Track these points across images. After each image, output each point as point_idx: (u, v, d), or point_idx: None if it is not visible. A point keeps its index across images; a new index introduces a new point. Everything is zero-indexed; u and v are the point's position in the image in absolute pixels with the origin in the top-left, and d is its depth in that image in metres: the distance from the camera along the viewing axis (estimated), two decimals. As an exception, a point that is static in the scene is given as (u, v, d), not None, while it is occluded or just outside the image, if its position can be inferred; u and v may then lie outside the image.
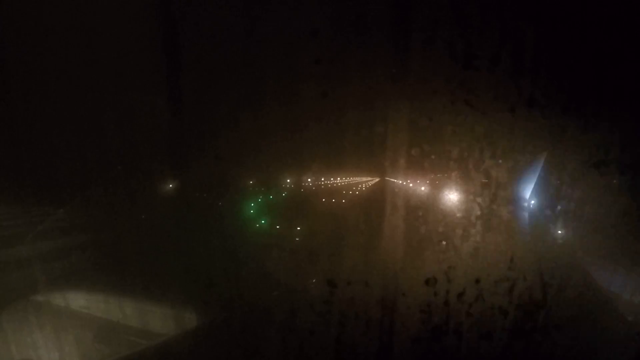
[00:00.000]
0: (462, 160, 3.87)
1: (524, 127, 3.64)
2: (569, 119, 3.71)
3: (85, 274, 6.45)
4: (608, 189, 4.74)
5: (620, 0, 3.62)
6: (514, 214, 3.89)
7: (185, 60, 5.81)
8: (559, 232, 4.35)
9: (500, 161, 3.82)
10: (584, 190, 4.20)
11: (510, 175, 3.87)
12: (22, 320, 5.12)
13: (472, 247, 4.01)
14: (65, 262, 6.74)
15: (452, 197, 4.35)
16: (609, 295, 4.31)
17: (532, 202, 4.00)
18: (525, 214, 3.95)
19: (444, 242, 4.12)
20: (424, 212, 4.46)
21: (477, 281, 3.83)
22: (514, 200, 3.90)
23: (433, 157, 4.15)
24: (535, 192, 3.92)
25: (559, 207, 3.84)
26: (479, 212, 3.95)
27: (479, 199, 3.95)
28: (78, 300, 5.80)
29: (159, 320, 5.36)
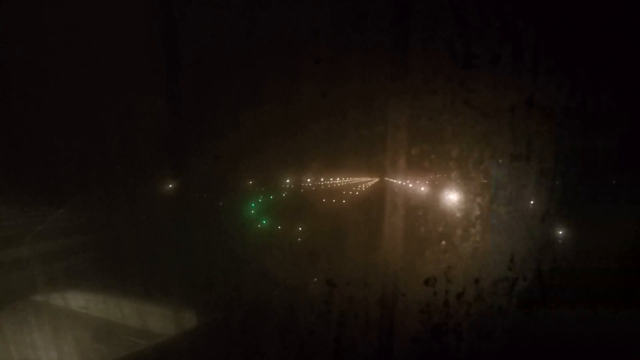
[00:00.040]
0: (462, 160, 3.87)
1: (524, 127, 3.64)
2: (568, 119, 3.71)
3: (85, 274, 6.44)
4: (607, 188, 4.74)
5: (619, 0, 3.63)
6: (513, 214, 3.88)
7: (185, 61, 5.81)
8: (559, 232, 4.35)
9: (499, 161, 3.82)
10: (583, 190, 4.20)
11: (510, 175, 3.87)
12: (22, 321, 5.12)
13: (472, 247, 4.01)
14: (65, 262, 6.74)
15: (451, 197, 4.35)
16: (605, 295, 4.31)
17: (532, 202, 3.99)
18: (525, 214, 3.94)
19: (443, 242, 4.12)
20: (423, 212, 4.46)
21: (477, 281, 3.83)
22: (513, 200, 3.89)
23: (433, 156, 4.15)
24: (534, 192, 3.91)
25: (558, 207, 3.83)
26: (478, 212, 3.95)
27: (478, 199, 3.95)
28: (77, 301, 5.79)
29: (158, 320, 5.35)
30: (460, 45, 3.54)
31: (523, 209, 3.94)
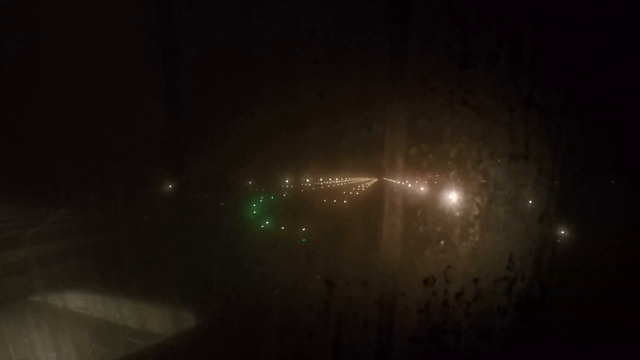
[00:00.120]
0: (460, 160, 3.86)
1: (522, 127, 3.64)
2: (567, 119, 3.71)
3: (83, 274, 6.43)
4: (606, 188, 4.75)
5: (618, 0, 3.63)
6: (512, 214, 3.88)
7: (184, 61, 5.81)
8: (557, 231, 4.35)
9: (498, 161, 3.82)
10: (582, 189, 4.20)
11: (508, 174, 3.87)
12: (20, 321, 5.11)
13: (471, 247, 4.01)
14: (64, 262, 6.73)
15: (450, 197, 4.35)
16: (604, 294, 4.32)
17: (530, 201, 3.99)
18: (523, 214, 3.94)
19: (442, 242, 4.12)
20: (422, 212, 4.46)
21: (476, 281, 3.83)
22: (512, 200, 3.89)
23: (431, 156, 4.15)
24: (533, 191, 3.91)
25: (557, 207, 3.83)
26: (477, 212, 3.95)
27: (477, 199, 3.94)
28: (76, 301, 5.78)
29: (157, 320, 5.35)
30: (459, 45, 3.54)
31: (522, 208, 3.94)
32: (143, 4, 5.72)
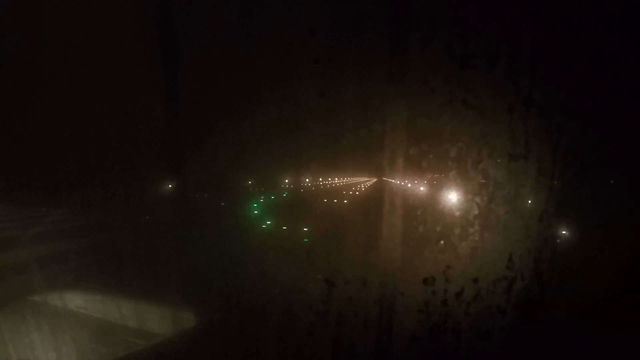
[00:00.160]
0: (460, 159, 3.87)
1: (522, 126, 3.64)
2: (566, 118, 3.71)
3: (83, 274, 6.43)
4: (606, 188, 4.75)
5: (618, 0, 3.63)
6: (511, 214, 3.89)
7: (184, 61, 5.81)
8: (557, 231, 4.35)
9: (498, 160, 3.82)
10: (582, 189, 4.21)
11: (508, 174, 3.87)
12: (20, 321, 5.11)
13: (470, 247, 4.01)
14: (63, 263, 6.73)
15: (450, 196, 4.35)
16: (604, 293, 4.33)
17: (530, 201, 4.00)
18: (523, 214, 3.94)
19: (442, 242, 4.12)
20: (422, 211, 4.46)
21: (475, 280, 3.83)
22: (512, 200, 3.89)
23: (431, 156, 4.15)
24: (532, 191, 3.92)
25: (556, 207, 3.84)
26: (477, 212, 3.95)
27: (476, 199, 3.95)
28: (76, 301, 5.79)
29: (157, 320, 5.35)
30: (459, 45, 3.54)
31: (521, 208, 3.94)
32: (143, 4, 5.72)
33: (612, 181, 4.88)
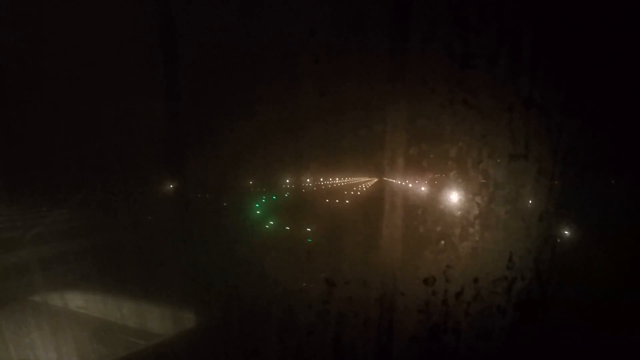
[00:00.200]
0: (461, 159, 3.87)
1: (522, 126, 3.64)
2: (567, 118, 3.72)
3: (84, 275, 6.44)
4: (606, 188, 4.75)
5: (618, 0, 3.63)
6: (511, 214, 3.89)
7: (184, 60, 5.81)
8: (557, 231, 4.35)
9: (498, 160, 3.83)
10: (582, 189, 4.21)
11: (509, 174, 3.87)
12: (21, 321, 5.12)
13: (471, 247, 4.02)
14: (64, 263, 6.73)
15: (450, 196, 4.35)
16: (604, 294, 4.32)
17: (530, 201, 4.00)
18: (523, 214, 3.95)
19: (442, 242, 4.13)
20: (422, 211, 4.46)
21: (476, 280, 3.83)
22: (512, 200, 3.90)
23: (431, 156, 4.15)
24: (533, 191, 3.92)
25: (557, 207, 3.84)
26: (477, 212, 3.96)
27: (477, 199, 3.95)
28: (76, 301, 5.80)
29: (157, 320, 5.36)
30: (459, 45, 3.54)
31: (521, 208, 3.94)
32: (143, 4, 5.73)
33: (612, 181, 4.87)
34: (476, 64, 3.55)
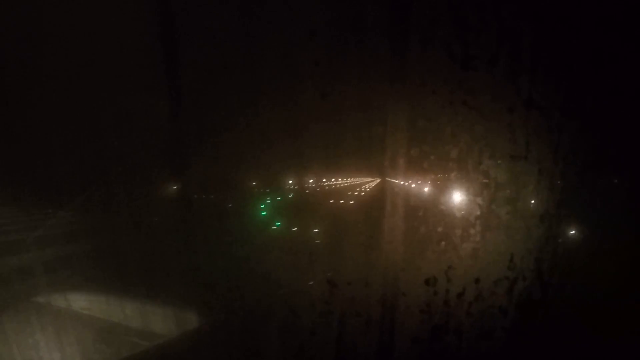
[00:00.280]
0: (461, 160, 3.88)
1: (523, 127, 3.65)
2: (567, 119, 3.72)
3: (87, 275, 6.46)
4: (608, 188, 4.75)
5: (618, 0, 3.64)
6: (513, 214, 3.89)
7: (184, 61, 5.83)
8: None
9: (499, 161, 3.83)
10: (583, 189, 4.21)
11: (509, 175, 3.88)
12: (25, 322, 5.14)
13: (472, 247, 4.02)
14: (67, 264, 6.76)
15: (451, 197, 4.36)
16: (605, 294, 4.32)
17: (531, 201, 4.01)
18: (524, 214, 3.95)
19: (443, 242, 4.13)
20: (423, 212, 4.47)
21: (477, 281, 3.84)
22: (513, 200, 3.90)
23: (432, 157, 4.16)
24: (534, 191, 3.92)
25: (558, 207, 3.85)
26: (478, 212, 3.96)
27: (478, 199, 3.96)
28: (80, 302, 5.82)
29: (160, 321, 5.38)
30: (459, 46, 3.55)
31: (522, 208, 3.95)
32: (144, 4, 5.75)
33: (614, 181, 4.87)
34: (476, 65, 3.56)
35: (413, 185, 5.50)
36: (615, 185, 4.77)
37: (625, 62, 3.69)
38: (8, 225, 8.06)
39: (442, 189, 4.48)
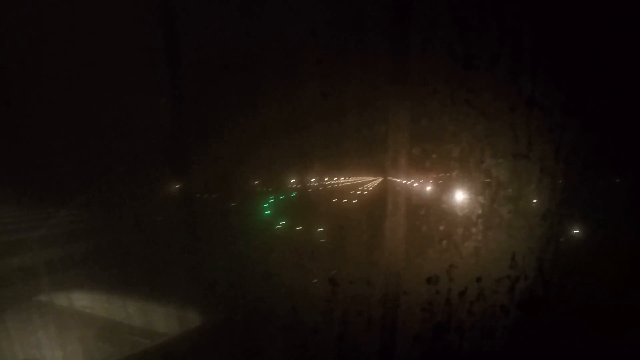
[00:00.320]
0: (463, 159, 3.89)
1: (524, 126, 3.66)
2: (569, 117, 3.73)
3: (89, 273, 6.47)
4: (609, 187, 4.75)
5: (618, 0, 3.64)
6: (514, 213, 3.90)
7: (186, 61, 5.83)
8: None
9: (500, 160, 3.84)
10: (585, 188, 4.21)
11: (511, 174, 3.89)
12: (26, 320, 5.16)
13: (474, 246, 4.03)
14: (69, 263, 6.77)
15: (453, 196, 4.37)
16: (607, 293, 4.33)
17: (533, 200, 4.01)
18: (526, 213, 3.96)
19: (445, 241, 4.14)
20: (425, 211, 4.48)
21: (479, 279, 3.85)
22: (515, 199, 3.91)
23: (434, 156, 4.17)
24: (535, 190, 3.93)
25: (559, 206, 3.85)
26: (480, 211, 3.97)
27: (480, 198, 3.97)
28: (81, 301, 5.83)
29: (162, 320, 5.39)
30: (460, 45, 3.55)
31: (524, 207, 3.96)
32: (144, 4, 5.75)
33: (616, 180, 4.88)
34: (478, 64, 3.56)
35: (415, 184, 5.50)
36: (617, 184, 4.78)
37: (626, 62, 3.69)
38: (9, 224, 8.08)
39: (443, 188, 4.48)
